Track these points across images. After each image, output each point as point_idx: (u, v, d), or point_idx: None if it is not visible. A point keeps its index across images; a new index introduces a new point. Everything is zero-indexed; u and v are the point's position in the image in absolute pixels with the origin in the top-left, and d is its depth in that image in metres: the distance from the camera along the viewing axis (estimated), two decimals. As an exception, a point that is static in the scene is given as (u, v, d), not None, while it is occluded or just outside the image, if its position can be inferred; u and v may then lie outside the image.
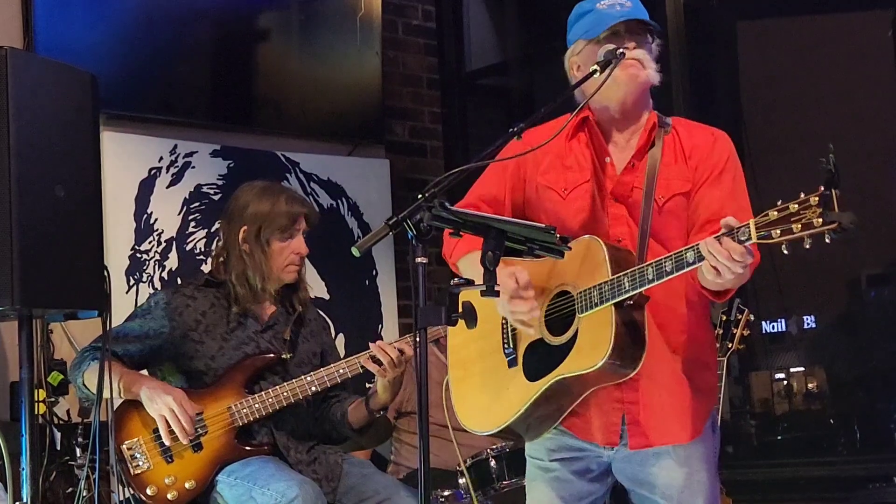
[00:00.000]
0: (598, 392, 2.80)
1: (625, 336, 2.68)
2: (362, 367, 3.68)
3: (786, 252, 2.42)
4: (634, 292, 2.65)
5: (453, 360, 3.05)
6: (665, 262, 2.61)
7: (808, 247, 2.38)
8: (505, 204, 2.95)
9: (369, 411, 3.79)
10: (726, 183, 2.81)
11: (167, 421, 3.58)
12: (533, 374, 2.81)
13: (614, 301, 2.66)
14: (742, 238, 2.46)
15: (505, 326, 2.92)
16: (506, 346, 2.90)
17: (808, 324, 5.94)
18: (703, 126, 2.94)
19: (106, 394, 3.48)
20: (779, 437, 5.88)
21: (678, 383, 2.82)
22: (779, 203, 2.41)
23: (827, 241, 2.35)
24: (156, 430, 3.63)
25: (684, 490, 2.82)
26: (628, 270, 2.66)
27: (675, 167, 2.84)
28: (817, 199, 2.34)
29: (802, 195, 2.37)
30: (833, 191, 2.33)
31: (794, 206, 2.38)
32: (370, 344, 3.70)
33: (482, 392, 2.96)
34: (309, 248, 3.86)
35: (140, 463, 3.63)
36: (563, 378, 2.74)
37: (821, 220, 2.33)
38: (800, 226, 2.36)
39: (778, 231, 2.40)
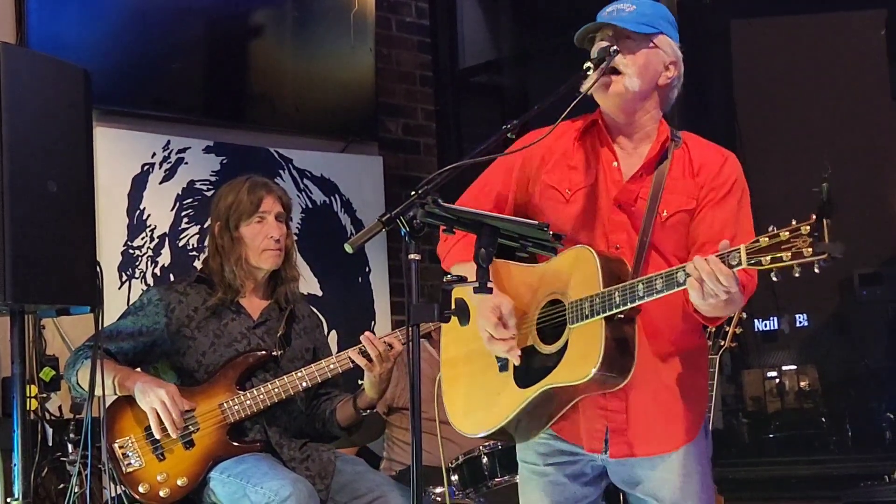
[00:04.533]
0: (584, 399, 2.78)
1: (614, 349, 2.65)
2: (352, 361, 3.68)
3: (775, 279, 2.39)
4: (625, 308, 2.63)
5: (445, 358, 3.03)
6: (656, 281, 2.58)
7: (797, 275, 2.35)
8: (508, 201, 2.92)
9: (356, 409, 3.78)
10: (730, 206, 2.77)
11: (158, 414, 3.58)
12: (523, 381, 2.78)
13: (605, 315, 2.64)
14: (733, 263, 2.43)
15: None
16: None
17: (800, 322, 5.96)
18: (713, 145, 2.89)
19: (98, 391, 3.48)
20: (771, 436, 5.89)
21: (668, 393, 2.79)
22: (770, 229, 2.39)
23: (816, 270, 2.32)
24: (147, 428, 3.62)
25: (677, 493, 2.80)
26: (619, 285, 2.63)
27: (682, 182, 2.80)
28: (808, 227, 2.32)
29: (794, 223, 2.35)
30: (824, 220, 2.30)
31: (784, 234, 2.35)
32: (361, 337, 3.70)
33: (472, 394, 2.93)
34: (303, 245, 3.86)
35: (132, 461, 3.62)
36: (552, 388, 2.72)
37: (811, 249, 2.30)
38: (790, 254, 2.33)
39: (768, 258, 2.37)
